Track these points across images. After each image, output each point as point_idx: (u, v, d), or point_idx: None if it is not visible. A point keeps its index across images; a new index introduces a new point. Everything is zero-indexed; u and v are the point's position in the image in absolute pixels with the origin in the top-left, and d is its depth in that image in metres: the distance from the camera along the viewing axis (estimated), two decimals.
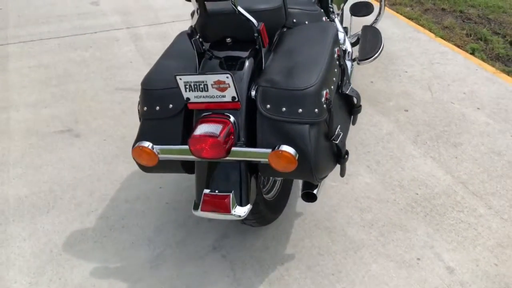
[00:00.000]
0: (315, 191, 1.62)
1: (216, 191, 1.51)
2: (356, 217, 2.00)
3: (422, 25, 3.71)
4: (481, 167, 2.26)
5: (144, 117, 1.60)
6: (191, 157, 1.49)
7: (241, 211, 1.49)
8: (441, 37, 3.52)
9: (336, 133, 1.56)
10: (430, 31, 3.61)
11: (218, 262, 1.82)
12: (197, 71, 1.61)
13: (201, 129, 1.43)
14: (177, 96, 1.51)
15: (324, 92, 1.49)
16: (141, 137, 1.58)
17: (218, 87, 1.43)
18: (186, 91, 1.46)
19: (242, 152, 1.45)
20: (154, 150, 1.51)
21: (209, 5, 1.51)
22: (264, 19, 1.56)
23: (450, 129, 2.53)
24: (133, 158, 1.57)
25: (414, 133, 2.51)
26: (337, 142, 1.55)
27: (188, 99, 1.48)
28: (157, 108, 1.56)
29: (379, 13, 2.82)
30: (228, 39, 1.62)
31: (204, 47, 1.61)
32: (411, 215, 2.01)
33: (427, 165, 2.29)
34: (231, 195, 1.49)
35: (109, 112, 2.71)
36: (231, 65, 1.56)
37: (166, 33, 3.61)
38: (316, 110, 1.45)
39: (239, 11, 1.48)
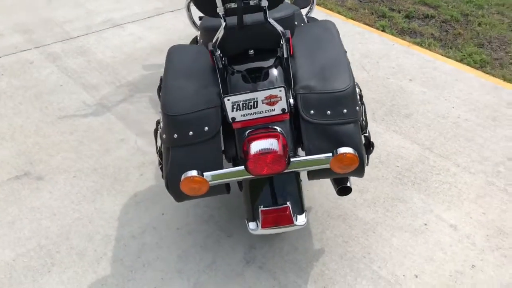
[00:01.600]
0: (348, 184, 1.71)
1: (274, 207, 1.51)
2: (359, 199, 2.15)
3: (330, 9, 3.96)
4: (436, 131, 2.57)
5: (175, 144, 1.52)
6: (246, 177, 1.47)
7: (302, 219, 1.53)
8: (352, 19, 3.81)
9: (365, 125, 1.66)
10: (340, 14, 3.88)
11: (258, 274, 1.82)
12: (220, 88, 1.57)
13: (257, 147, 1.42)
14: (212, 118, 1.48)
15: (358, 89, 1.57)
16: (177, 167, 1.51)
17: (269, 101, 1.42)
18: (232, 111, 1.43)
19: (302, 162, 1.48)
20: (205, 178, 1.46)
21: (235, 19, 1.48)
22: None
23: (397, 102, 2.81)
24: (181, 190, 1.50)
25: (370, 111, 2.73)
26: (367, 134, 1.65)
27: (233, 118, 1.45)
28: (191, 133, 1.50)
29: (312, 2, 2.96)
30: (251, 51, 1.60)
31: (223, 62, 1.57)
32: (402, 186, 2.22)
33: (393, 138, 2.52)
34: (289, 205, 1.51)
35: (64, 145, 2.46)
36: (260, 76, 1.56)
37: (85, 48, 3.33)
38: (357, 108, 1.53)
39: (269, 21, 1.48)
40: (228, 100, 1.42)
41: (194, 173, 1.45)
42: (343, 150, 1.45)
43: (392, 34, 3.60)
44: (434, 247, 1.93)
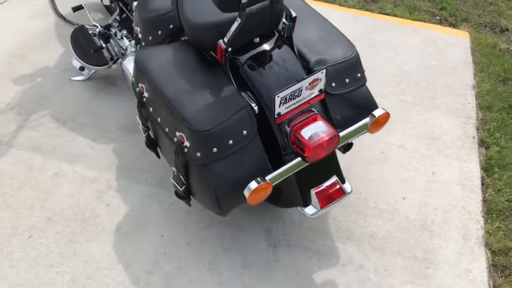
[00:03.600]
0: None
1: (324, 184, 1.56)
2: None
3: None
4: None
5: (216, 158, 1.42)
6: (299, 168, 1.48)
7: (348, 186, 1.62)
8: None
9: None
10: None
11: (290, 252, 1.88)
12: (233, 82, 1.51)
13: (308, 134, 1.42)
14: (246, 119, 1.42)
15: None
16: (229, 181, 1.44)
17: (312, 86, 1.42)
18: (279, 106, 1.39)
19: (348, 134, 1.54)
20: (270, 181, 1.41)
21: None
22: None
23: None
24: (232, 204, 1.50)
25: None
26: None
27: (279, 114, 1.42)
28: (230, 141, 1.42)
29: None
30: (257, 38, 1.52)
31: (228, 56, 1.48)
32: None
33: None
34: (336, 179, 1.58)
35: None
36: (277, 62, 1.52)
37: None
38: (364, 68, 1.63)
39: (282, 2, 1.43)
40: (278, 96, 1.36)
41: (255, 184, 1.39)
42: (378, 112, 1.55)
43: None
44: (399, 168, 2.25)
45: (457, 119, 2.58)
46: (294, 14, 1.51)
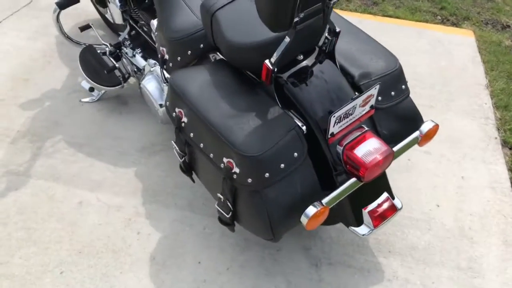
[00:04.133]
0: None
1: (375, 202, 1.52)
2: None
3: None
4: None
5: (268, 184, 1.36)
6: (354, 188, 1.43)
7: (398, 202, 1.58)
8: None
9: None
10: None
11: (333, 270, 1.84)
12: (278, 102, 1.46)
13: (363, 153, 1.38)
14: (296, 141, 1.37)
15: None
16: (284, 207, 1.38)
17: (365, 103, 1.38)
18: (334, 126, 1.34)
19: (400, 150, 1.50)
20: (327, 205, 1.36)
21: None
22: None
23: None
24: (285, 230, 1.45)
25: None
26: None
27: (332, 133, 1.37)
28: (282, 165, 1.36)
29: None
30: (300, 55, 1.47)
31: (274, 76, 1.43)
32: None
33: None
34: (387, 195, 1.54)
35: (11, 242, 1.86)
36: (324, 77, 1.47)
37: None
38: (407, 79, 1.59)
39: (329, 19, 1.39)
40: (334, 116, 1.31)
41: (317, 206, 1.34)
42: (428, 125, 1.52)
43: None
44: (427, 174, 2.22)
45: (476, 120, 2.57)
46: (338, 29, 1.46)
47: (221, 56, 1.65)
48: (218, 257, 1.85)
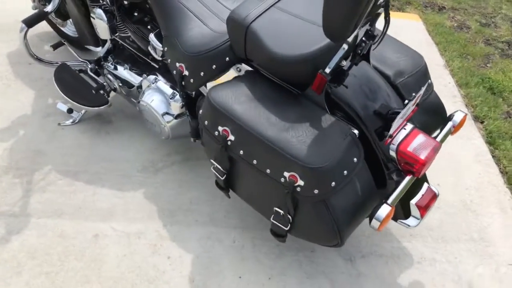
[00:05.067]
0: None
1: (419, 194, 1.60)
2: None
3: None
4: None
5: (334, 192, 1.38)
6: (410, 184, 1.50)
7: (436, 190, 1.67)
8: None
9: None
10: None
11: (367, 262, 1.90)
12: (327, 110, 1.48)
13: (417, 149, 1.44)
14: (354, 147, 1.42)
15: None
16: (345, 213, 1.43)
17: (415, 102, 1.44)
18: (392, 127, 1.39)
19: (441, 140, 1.58)
20: (392, 205, 1.42)
21: None
22: None
23: None
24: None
25: None
26: None
27: (391, 135, 1.41)
28: (345, 172, 1.39)
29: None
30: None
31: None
32: None
33: None
34: (428, 185, 1.63)
35: None
36: (364, 79, 1.50)
37: None
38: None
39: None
40: (397, 118, 1.36)
41: (386, 209, 1.38)
42: (459, 116, 1.62)
43: None
44: None
45: (445, 99, 2.74)
46: (376, 32, 1.50)
47: (247, 68, 1.62)
48: (256, 268, 1.83)
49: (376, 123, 1.48)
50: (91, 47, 2.40)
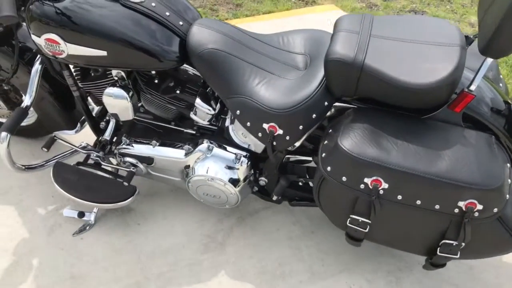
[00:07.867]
0: None
1: None
2: None
3: None
4: None
5: (507, 203, 1.36)
6: None
7: None
8: None
9: None
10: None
11: None
12: (462, 124, 1.45)
13: None
14: (503, 154, 1.42)
15: None
16: None
17: None
18: None
19: None
20: None
21: None
22: None
23: None
24: None
25: None
26: None
27: None
28: (509, 181, 1.37)
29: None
30: None
31: None
32: None
33: None
34: None
35: None
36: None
37: None
38: None
39: None
40: None
41: None
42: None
43: None
44: None
45: None
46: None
47: (343, 105, 1.49)
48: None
49: (500, 121, 1.48)
50: (60, 133, 1.92)
